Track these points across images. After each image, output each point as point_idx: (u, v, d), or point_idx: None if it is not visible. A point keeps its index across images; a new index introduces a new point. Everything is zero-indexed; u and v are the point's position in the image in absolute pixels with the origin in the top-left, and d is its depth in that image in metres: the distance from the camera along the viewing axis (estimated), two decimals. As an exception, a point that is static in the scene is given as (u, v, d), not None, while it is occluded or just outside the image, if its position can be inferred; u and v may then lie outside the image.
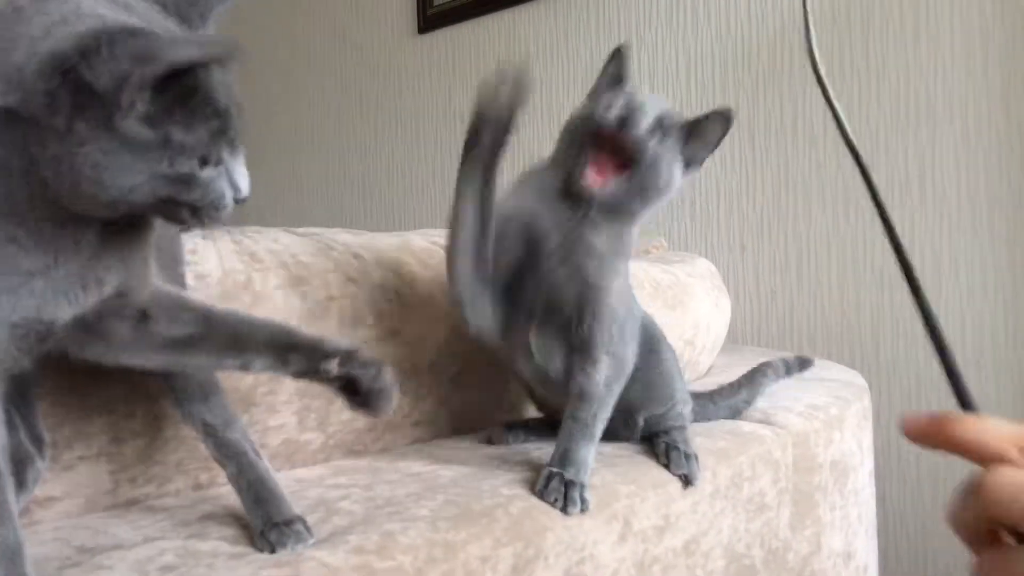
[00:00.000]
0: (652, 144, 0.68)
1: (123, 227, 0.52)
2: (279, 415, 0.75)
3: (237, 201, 0.51)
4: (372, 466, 0.79)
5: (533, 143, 0.92)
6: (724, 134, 0.71)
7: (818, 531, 0.97)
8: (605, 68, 0.75)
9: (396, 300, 0.85)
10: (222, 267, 0.73)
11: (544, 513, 0.68)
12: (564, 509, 0.68)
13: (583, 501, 0.69)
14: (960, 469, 0.36)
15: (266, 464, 0.66)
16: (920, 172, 1.64)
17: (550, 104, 2.08)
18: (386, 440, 0.87)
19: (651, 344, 0.83)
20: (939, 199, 1.62)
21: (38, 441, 0.61)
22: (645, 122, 0.67)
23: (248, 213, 0.55)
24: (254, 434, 0.74)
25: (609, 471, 0.76)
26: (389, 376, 0.60)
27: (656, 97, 0.71)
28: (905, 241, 0.42)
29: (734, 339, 1.57)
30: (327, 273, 0.81)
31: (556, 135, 0.75)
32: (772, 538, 0.89)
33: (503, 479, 0.73)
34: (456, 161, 0.68)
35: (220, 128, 0.48)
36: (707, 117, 0.70)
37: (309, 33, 2.66)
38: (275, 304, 0.74)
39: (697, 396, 0.96)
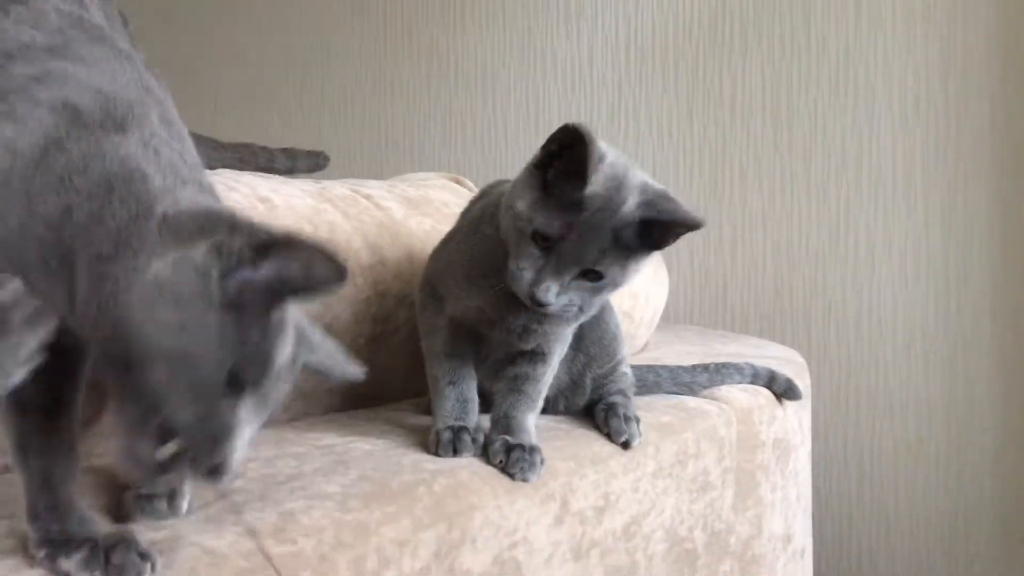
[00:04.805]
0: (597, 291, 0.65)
1: None
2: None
3: None
4: (277, 436, 0.69)
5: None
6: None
7: (759, 512, 0.92)
8: (548, 148, 0.63)
9: (309, 251, 0.75)
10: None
11: (473, 491, 0.59)
12: (526, 478, 0.64)
13: (543, 464, 0.66)
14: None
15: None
16: (858, 152, 1.62)
17: (483, 73, 1.98)
18: (295, 409, 0.77)
19: None
20: (875, 180, 1.60)
21: None
22: (561, 298, 0.63)
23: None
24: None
25: (546, 446, 0.68)
26: None
27: (618, 195, 0.61)
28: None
29: (667, 317, 1.52)
30: (228, 215, 0.70)
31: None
32: (715, 520, 0.83)
33: (428, 453, 0.65)
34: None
35: None
36: (671, 224, 0.62)
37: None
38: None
39: (652, 367, 0.92)
